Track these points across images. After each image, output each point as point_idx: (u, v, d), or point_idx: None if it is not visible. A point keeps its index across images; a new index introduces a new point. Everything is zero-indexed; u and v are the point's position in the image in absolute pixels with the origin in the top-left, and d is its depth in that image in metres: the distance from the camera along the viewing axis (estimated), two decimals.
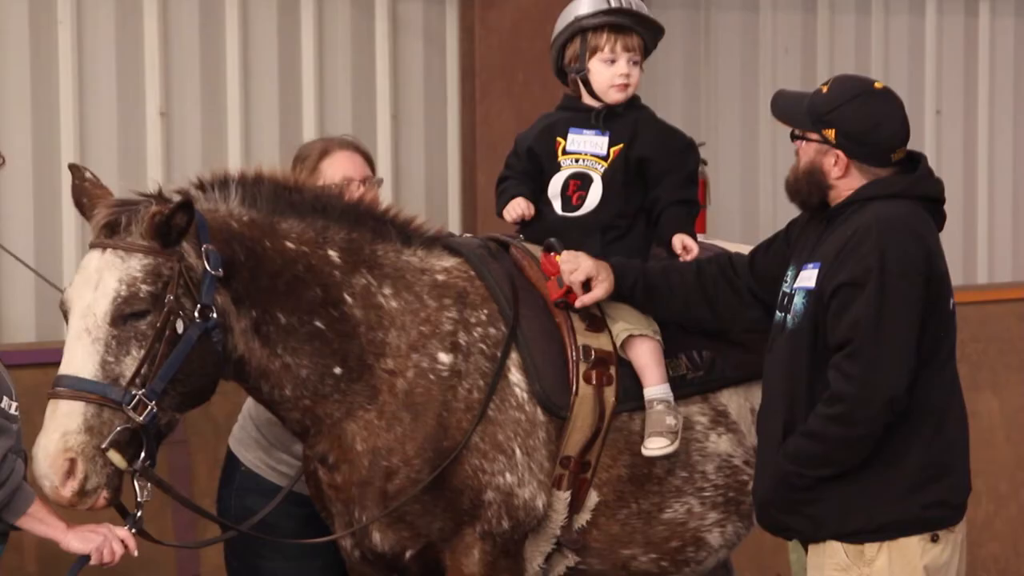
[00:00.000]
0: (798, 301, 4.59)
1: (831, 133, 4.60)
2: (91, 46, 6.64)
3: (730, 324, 5.05)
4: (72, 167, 4.70)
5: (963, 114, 9.23)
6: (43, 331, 6.47)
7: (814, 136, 4.63)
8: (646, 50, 5.18)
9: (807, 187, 4.66)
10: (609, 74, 5.12)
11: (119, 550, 4.51)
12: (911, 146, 4.73)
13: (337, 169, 5.27)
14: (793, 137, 4.70)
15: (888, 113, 4.65)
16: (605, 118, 5.15)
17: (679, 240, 5.08)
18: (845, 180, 4.63)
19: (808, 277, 4.59)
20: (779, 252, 4.89)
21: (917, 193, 4.63)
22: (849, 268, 4.48)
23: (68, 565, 4.59)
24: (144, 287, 4.46)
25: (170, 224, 4.47)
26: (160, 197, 4.59)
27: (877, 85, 4.70)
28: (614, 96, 5.13)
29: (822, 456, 4.50)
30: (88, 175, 4.67)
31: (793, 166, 4.72)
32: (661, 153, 5.14)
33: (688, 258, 5.06)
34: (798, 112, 4.68)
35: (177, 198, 4.58)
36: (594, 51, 5.13)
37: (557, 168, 5.18)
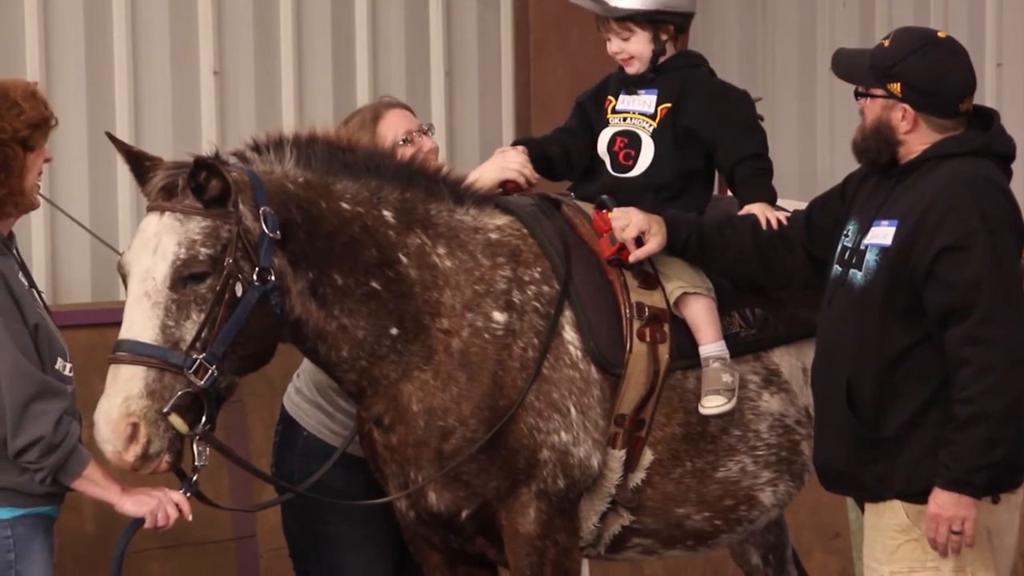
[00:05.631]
0: (870, 258, 4.53)
1: (897, 87, 4.53)
2: (144, 6, 6.64)
3: (781, 281, 5.01)
4: (112, 139, 4.69)
5: None
6: (98, 292, 6.50)
7: (879, 92, 4.56)
8: (655, 17, 5.08)
9: (876, 145, 4.57)
10: (611, 53, 5.14)
11: (173, 514, 4.53)
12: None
13: (398, 127, 5.26)
14: (857, 95, 4.63)
15: (953, 62, 4.58)
16: (657, 73, 5.12)
17: (751, 214, 5.03)
18: (914, 134, 4.55)
19: (883, 234, 4.52)
20: (834, 208, 4.83)
21: (993, 151, 4.57)
22: (948, 231, 4.39)
23: (126, 526, 4.61)
24: (203, 250, 4.47)
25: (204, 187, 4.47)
26: (216, 159, 4.58)
27: (940, 35, 4.63)
28: (627, 70, 5.13)
29: (994, 437, 4.36)
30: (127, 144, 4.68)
31: (860, 126, 4.64)
32: (709, 115, 5.09)
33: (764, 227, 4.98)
34: (860, 68, 4.60)
35: (234, 160, 4.59)
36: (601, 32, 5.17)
37: (605, 125, 5.17)
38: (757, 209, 5.01)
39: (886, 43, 4.62)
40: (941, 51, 4.59)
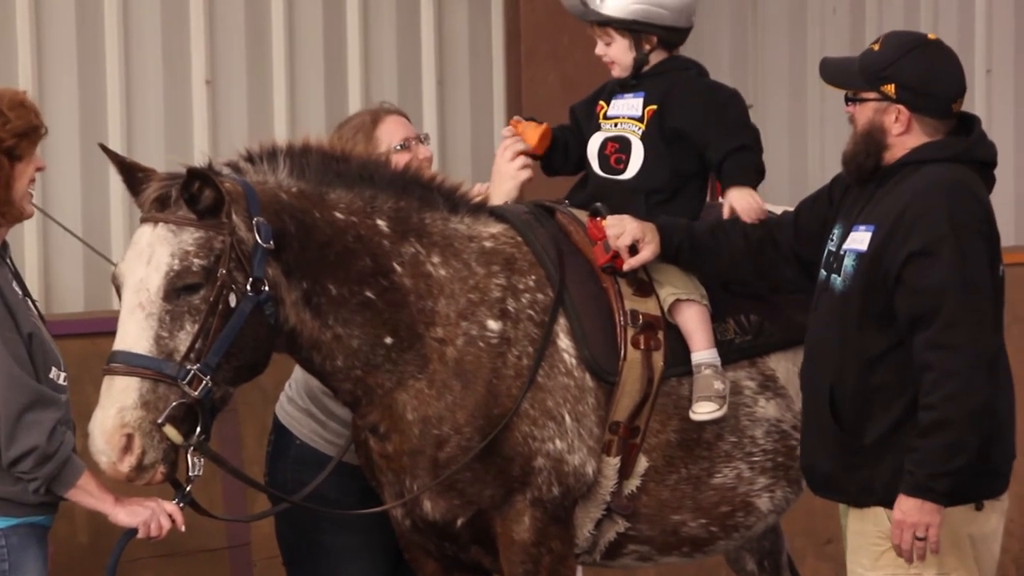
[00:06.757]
0: (848, 263, 4.55)
1: (891, 88, 4.53)
2: (136, 14, 6.64)
3: (772, 283, 5.02)
4: (105, 150, 4.69)
5: (1014, 73, 9.16)
6: (91, 301, 6.50)
7: (871, 95, 4.56)
8: (632, 27, 5.10)
9: (865, 148, 4.56)
10: (597, 54, 5.18)
11: (166, 524, 4.53)
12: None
13: (395, 133, 5.31)
14: (848, 100, 4.63)
15: (946, 63, 4.60)
16: (644, 77, 5.15)
17: (729, 201, 5.02)
18: (906, 137, 4.55)
19: (860, 239, 4.53)
20: (821, 210, 4.84)
21: (973, 157, 4.57)
22: (918, 236, 4.41)
23: (119, 535, 4.61)
24: (196, 261, 4.47)
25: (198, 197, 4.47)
26: (210, 169, 4.58)
27: (930, 36, 4.65)
28: (612, 73, 5.18)
29: (956, 443, 4.37)
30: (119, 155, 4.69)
31: (852, 134, 4.64)
32: (696, 115, 5.09)
33: (745, 218, 4.98)
34: (850, 74, 4.60)
35: (227, 171, 4.60)
36: None
37: (596, 129, 5.19)
38: (737, 196, 5.00)
39: (876, 47, 4.62)
40: (933, 52, 4.60)
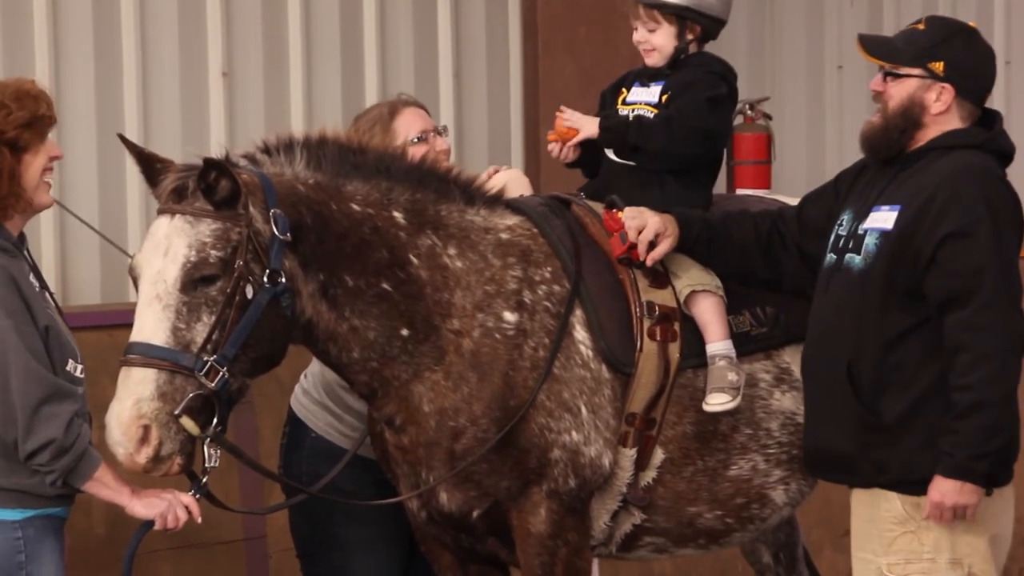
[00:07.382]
0: (870, 242, 4.54)
1: (939, 66, 4.53)
2: (153, 6, 6.66)
3: (778, 277, 5.01)
4: (124, 140, 4.69)
5: None
6: (108, 293, 6.51)
7: (915, 71, 4.56)
8: (684, 13, 5.10)
9: (901, 124, 4.56)
10: (635, 42, 5.16)
11: (183, 516, 4.53)
12: None
13: (413, 125, 5.31)
14: (886, 75, 4.60)
15: (988, 51, 4.65)
16: (672, 67, 5.15)
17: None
18: (943, 117, 4.56)
19: (883, 219, 4.53)
20: (827, 204, 4.85)
21: (996, 147, 4.59)
22: (953, 218, 4.42)
23: (136, 527, 4.61)
24: (214, 252, 4.47)
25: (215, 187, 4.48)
26: (227, 161, 4.58)
27: (972, 24, 4.68)
28: (646, 61, 5.17)
29: (994, 424, 4.40)
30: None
31: (879, 113, 4.62)
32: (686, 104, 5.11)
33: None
34: (893, 49, 4.60)
35: (244, 162, 4.60)
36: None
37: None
38: (570, 114, 5.11)
39: (920, 26, 4.63)
40: (977, 40, 4.65)
